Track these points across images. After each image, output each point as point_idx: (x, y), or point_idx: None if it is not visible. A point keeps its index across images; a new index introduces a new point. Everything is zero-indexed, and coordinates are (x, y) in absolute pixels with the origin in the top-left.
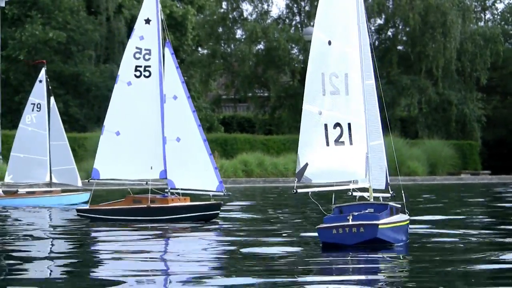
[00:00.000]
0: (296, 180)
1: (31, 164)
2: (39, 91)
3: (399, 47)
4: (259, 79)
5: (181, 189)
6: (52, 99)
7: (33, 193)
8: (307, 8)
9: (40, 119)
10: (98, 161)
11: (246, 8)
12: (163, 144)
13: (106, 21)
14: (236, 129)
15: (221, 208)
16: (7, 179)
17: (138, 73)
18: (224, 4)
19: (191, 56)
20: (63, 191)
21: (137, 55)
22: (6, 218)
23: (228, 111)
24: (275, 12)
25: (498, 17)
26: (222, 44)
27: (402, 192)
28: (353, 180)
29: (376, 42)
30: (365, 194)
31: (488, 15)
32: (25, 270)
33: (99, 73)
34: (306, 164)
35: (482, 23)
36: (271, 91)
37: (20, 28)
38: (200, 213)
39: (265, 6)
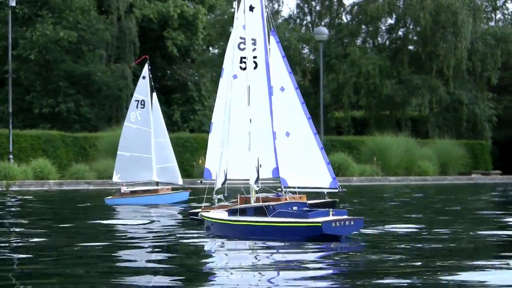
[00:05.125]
0: None
1: (138, 162)
2: (143, 87)
3: (410, 47)
4: None
5: (292, 187)
6: (154, 95)
7: (135, 192)
8: (318, 8)
9: (144, 116)
10: (209, 161)
11: None
12: (273, 139)
13: (117, 20)
14: None
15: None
16: (115, 178)
17: (243, 65)
18: (234, 4)
19: (202, 55)
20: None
21: (242, 46)
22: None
23: None
24: (285, 12)
25: (509, 16)
26: None
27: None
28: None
29: (387, 42)
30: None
31: (499, 15)
32: None
33: (110, 73)
34: None
35: (493, 23)
36: None
37: (30, 28)
38: None
39: (276, 6)
